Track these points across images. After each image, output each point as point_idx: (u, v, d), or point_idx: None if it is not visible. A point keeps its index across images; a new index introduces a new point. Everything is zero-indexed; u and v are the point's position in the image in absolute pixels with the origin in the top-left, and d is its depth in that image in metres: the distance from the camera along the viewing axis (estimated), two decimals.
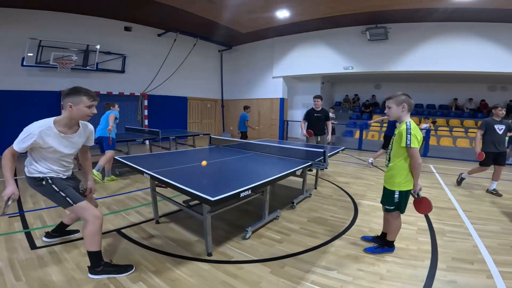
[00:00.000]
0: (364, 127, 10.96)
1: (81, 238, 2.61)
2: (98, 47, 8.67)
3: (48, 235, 2.59)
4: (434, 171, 6.88)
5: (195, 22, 9.56)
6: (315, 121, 6.08)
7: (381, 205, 3.53)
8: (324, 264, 2.37)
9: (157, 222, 3.14)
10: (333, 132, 10.28)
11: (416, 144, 2.22)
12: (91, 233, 2.01)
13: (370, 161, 7.19)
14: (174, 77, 11.20)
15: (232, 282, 2.04)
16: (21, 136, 1.90)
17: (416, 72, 9.45)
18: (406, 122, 2.31)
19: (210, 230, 2.39)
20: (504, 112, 4.81)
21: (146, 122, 10.51)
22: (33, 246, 2.48)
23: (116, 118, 4.95)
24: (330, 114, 10.61)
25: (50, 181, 2.07)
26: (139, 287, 1.94)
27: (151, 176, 2.35)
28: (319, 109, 6.06)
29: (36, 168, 2.05)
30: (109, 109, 5.14)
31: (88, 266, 2.07)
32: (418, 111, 12.59)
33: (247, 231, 2.83)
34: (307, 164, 3.20)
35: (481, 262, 2.46)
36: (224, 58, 13.85)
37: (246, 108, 8.89)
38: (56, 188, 2.08)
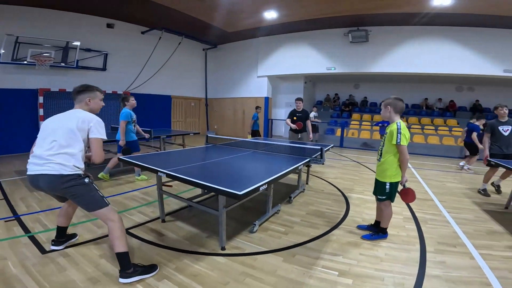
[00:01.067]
0: (344, 125, 11.45)
1: (88, 241, 2.63)
2: (78, 44, 8.34)
3: (56, 242, 2.48)
4: (410, 166, 7.41)
5: (181, 20, 9.48)
6: (296, 121, 6.46)
7: (369, 197, 3.86)
8: (329, 251, 2.61)
9: (163, 221, 3.19)
10: (316, 130, 10.80)
11: (404, 142, 2.53)
12: (120, 234, 2.01)
13: (466, 167, 7.13)
14: (158, 76, 11.01)
15: (251, 272, 2.19)
16: (101, 125, 2.07)
17: (392, 74, 10.06)
18: (396, 123, 2.62)
19: (224, 225, 2.52)
20: (507, 111, 4.50)
21: None
22: (42, 250, 2.44)
23: (129, 122, 4.64)
24: (313, 113, 11.08)
25: (91, 179, 2.05)
26: (166, 285, 2.00)
27: (167, 175, 2.41)
28: (300, 109, 6.45)
29: (79, 165, 1.98)
30: (124, 105, 4.76)
31: (119, 271, 2.03)
32: None
33: (255, 224, 2.99)
34: (306, 160, 3.42)
35: (462, 245, 2.81)
36: (208, 56, 13.80)
37: (257, 108, 9.15)
38: (95, 187, 2.05)
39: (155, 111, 11.29)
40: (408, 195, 2.75)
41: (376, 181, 2.83)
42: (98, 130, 2.04)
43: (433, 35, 9.23)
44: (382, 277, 2.18)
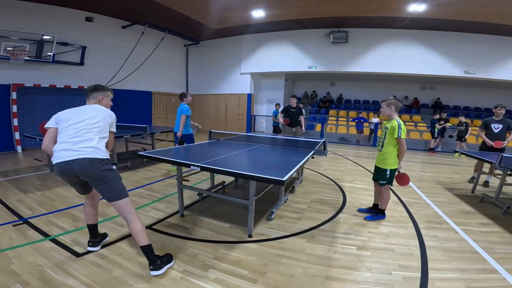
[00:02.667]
0: (323, 121, 12.10)
1: (117, 240, 2.64)
2: (55, 37, 7.88)
3: (93, 243, 2.47)
4: None
5: (165, 15, 9.32)
6: (291, 115, 7.08)
7: (359, 185, 4.52)
8: (342, 231, 3.02)
9: (182, 215, 3.33)
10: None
11: (404, 135, 3.00)
12: (142, 227, 2.07)
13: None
14: (138, 71, 10.72)
15: (283, 253, 2.47)
16: (115, 120, 2.29)
17: (368, 73, 10.84)
18: (396, 119, 3.06)
19: (253, 213, 2.76)
20: (503, 111, 4.84)
21: None
22: (75, 253, 2.41)
23: (188, 116, 5.23)
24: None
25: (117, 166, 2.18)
26: (213, 273, 2.17)
27: (202, 168, 2.52)
28: (295, 105, 6.91)
29: (107, 152, 2.13)
30: (182, 100, 5.33)
31: (149, 264, 2.11)
32: (366, 107, 14.37)
33: (273, 212, 3.28)
34: (313, 152, 3.77)
35: (445, 223, 3.35)
36: (190, 53, 13.63)
37: (276, 105, 9.54)
38: (119, 175, 2.13)
39: (135, 107, 10.99)
40: (403, 179, 3.22)
41: (377, 168, 3.29)
42: (115, 126, 2.31)
43: (405, 38, 10.09)
44: (392, 249, 2.61)
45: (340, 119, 13.21)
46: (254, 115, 13.20)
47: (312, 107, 14.88)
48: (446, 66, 9.89)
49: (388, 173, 3.15)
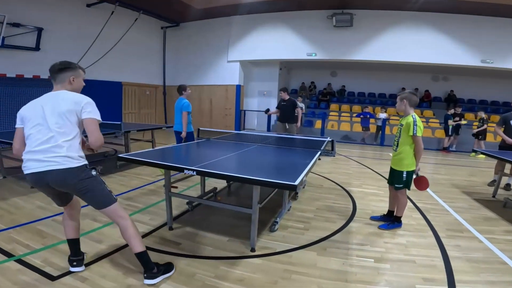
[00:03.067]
0: (324, 117, 12.25)
1: (97, 259, 2.61)
2: (5, 17, 7.65)
3: (77, 262, 2.42)
4: None
5: None
6: (283, 110, 7.30)
7: (369, 190, 4.72)
8: (356, 241, 3.12)
9: (171, 228, 3.32)
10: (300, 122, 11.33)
11: (420, 133, 3.11)
12: (135, 232, 2.17)
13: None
14: (106, 58, 10.54)
15: (293, 268, 2.54)
16: (94, 105, 2.12)
17: (375, 62, 11.08)
18: (412, 115, 3.18)
19: (257, 223, 2.80)
20: None
21: None
22: (49, 276, 2.34)
23: (189, 112, 5.35)
24: (298, 103, 11.45)
25: (98, 170, 2.14)
26: None
27: (199, 172, 2.53)
28: (286, 98, 7.16)
29: (82, 154, 2.07)
30: (181, 94, 5.46)
31: (143, 272, 2.22)
32: (371, 100, 14.73)
33: (276, 222, 3.36)
34: (320, 152, 3.86)
35: (467, 231, 3.53)
36: (168, 36, 13.50)
37: (298, 97, 9.74)
38: (101, 179, 2.14)
39: (102, 100, 10.57)
40: (421, 183, 3.35)
41: (393, 170, 3.40)
42: (93, 110, 2.10)
43: (416, 21, 10.33)
44: (413, 260, 2.73)
45: (342, 114, 13.48)
46: (244, 110, 13.23)
47: (310, 100, 15.09)
48: (461, 55, 10.22)
49: (404, 175, 3.26)
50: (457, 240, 3.24)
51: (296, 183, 2.17)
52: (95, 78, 10.38)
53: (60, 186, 2.02)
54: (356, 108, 14.00)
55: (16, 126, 2.11)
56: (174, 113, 5.58)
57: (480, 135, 9.46)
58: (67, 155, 1.97)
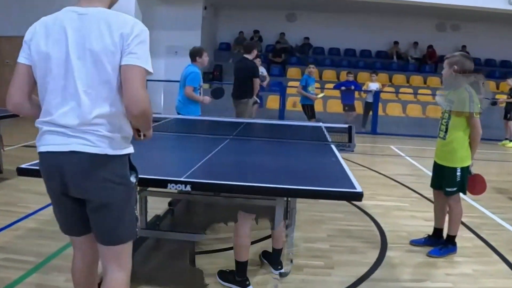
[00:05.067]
0: (280, 89, 8.14)
1: None
2: None
3: None
4: (402, 154, 6.82)
5: None
6: (235, 80, 5.34)
7: (388, 203, 4.02)
8: (408, 277, 2.52)
9: None
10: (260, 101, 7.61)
11: (477, 111, 2.49)
12: (128, 282, 1.45)
13: None
14: None
15: None
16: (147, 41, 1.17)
17: None
18: (466, 88, 2.51)
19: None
20: None
21: None
22: None
23: (195, 88, 4.11)
24: (262, 69, 7.56)
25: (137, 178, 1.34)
26: None
27: (195, 187, 1.57)
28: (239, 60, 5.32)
29: (128, 134, 1.26)
30: (193, 60, 4.21)
31: None
32: (351, 62, 11.13)
33: (290, 263, 2.39)
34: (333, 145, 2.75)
35: None
36: None
37: (308, 67, 7.41)
38: (136, 195, 1.44)
39: None
40: (477, 184, 2.68)
41: (441, 168, 2.72)
42: (142, 52, 1.13)
43: None
44: None
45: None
46: (149, 80, 8.00)
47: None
48: None
49: (459, 173, 2.59)
50: None
51: (360, 189, 1.55)
52: None
53: (75, 182, 1.17)
54: (329, 74, 9.93)
55: (20, 61, 1.21)
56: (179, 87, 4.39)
57: (509, 113, 7.16)
58: (106, 135, 1.19)
